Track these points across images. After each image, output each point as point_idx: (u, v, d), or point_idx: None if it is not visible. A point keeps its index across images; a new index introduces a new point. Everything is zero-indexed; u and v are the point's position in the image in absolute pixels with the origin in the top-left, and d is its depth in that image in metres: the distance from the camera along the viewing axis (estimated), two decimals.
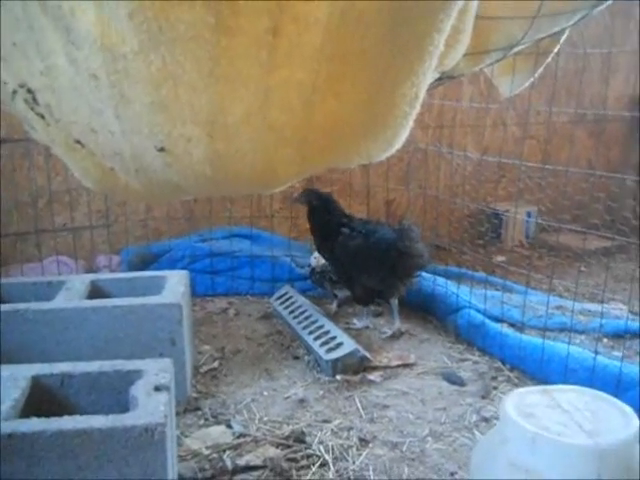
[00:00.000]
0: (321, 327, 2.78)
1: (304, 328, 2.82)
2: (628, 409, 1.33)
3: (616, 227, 2.67)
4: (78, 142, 1.66)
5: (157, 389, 1.64)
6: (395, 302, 2.97)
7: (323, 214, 2.99)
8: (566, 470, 1.21)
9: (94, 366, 1.77)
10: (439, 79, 1.83)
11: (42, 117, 1.67)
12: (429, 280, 3.17)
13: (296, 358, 2.70)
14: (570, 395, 1.39)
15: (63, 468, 1.46)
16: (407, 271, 2.91)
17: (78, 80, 1.38)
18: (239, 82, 1.23)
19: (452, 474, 1.92)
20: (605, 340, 2.68)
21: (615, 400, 1.37)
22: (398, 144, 1.49)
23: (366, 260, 2.89)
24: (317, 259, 3.18)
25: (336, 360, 2.51)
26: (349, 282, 3.00)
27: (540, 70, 2.67)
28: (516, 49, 2.00)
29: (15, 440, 1.43)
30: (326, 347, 2.60)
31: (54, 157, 3.02)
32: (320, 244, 3.05)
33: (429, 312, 3.14)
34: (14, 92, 1.65)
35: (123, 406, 1.64)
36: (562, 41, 2.56)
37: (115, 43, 1.22)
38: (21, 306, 2.22)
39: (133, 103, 1.33)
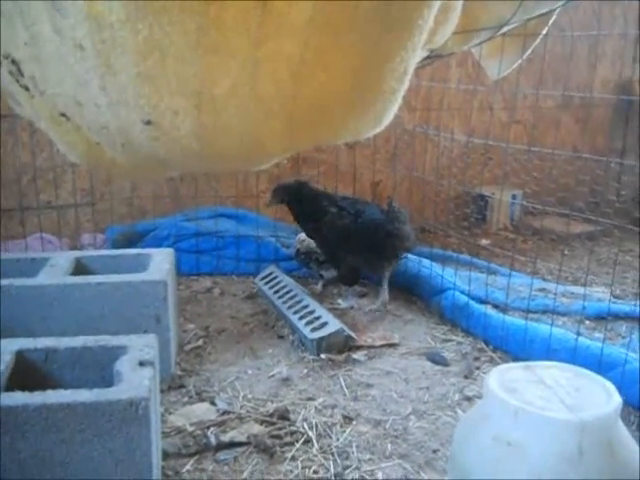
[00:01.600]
0: (306, 307, 2.78)
1: (289, 308, 2.82)
2: (610, 385, 1.35)
3: (600, 210, 2.70)
4: (63, 115, 1.65)
5: (141, 364, 1.64)
6: (387, 275, 2.98)
7: (299, 202, 3.00)
8: (548, 443, 1.22)
9: (78, 341, 1.76)
10: (428, 57, 1.84)
11: (27, 89, 1.65)
12: (414, 261, 3.18)
13: (281, 337, 2.71)
14: (553, 371, 1.41)
15: (47, 441, 1.46)
16: (394, 252, 2.94)
17: (63, 50, 1.36)
18: (227, 53, 1.23)
19: (434, 451, 1.93)
20: (587, 322, 2.71)
21: (597, 376, 1.39)
22: (386, 120, 1.49)
23: (354, 240, 2.90)
24: (301, 240, 3.18)
25: (321, 339, 2.52)
26: (335, 262, 3.01)
27: (528, 52, 2.67)
28: (505, 29, 2.01)
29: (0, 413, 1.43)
30: (311, 326, 2.60)
31: (39, 134, 3.02)
32: (306, 227, 3.06)
33: (414, 293, 3.16)
34: None
35: (107, 381, 1.64)
36: (550, 23, 2.57)
37: (101, 12, 1.21)
38: (4, 282, 2.20)
39: (119, 74, 1.32)
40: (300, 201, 3.00)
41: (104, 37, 1.27)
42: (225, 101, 1.33)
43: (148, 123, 1.43)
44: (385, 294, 2.99)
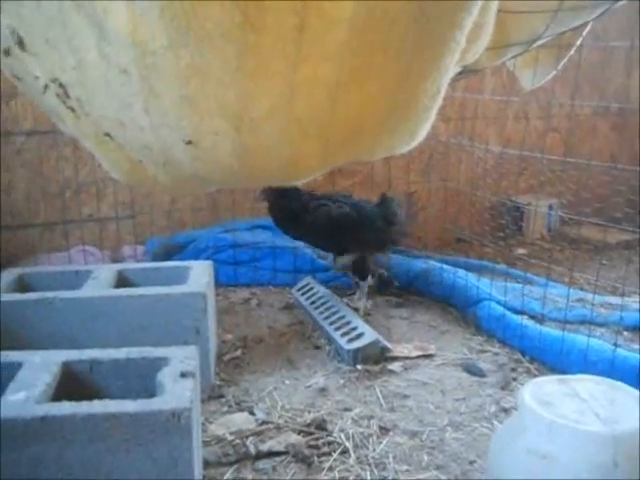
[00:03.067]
0: (342, 317, 2.81)
1: (325, 318, 2.86)
2: None
3: (638, 220, 2.68)
4: (107, 135, 1.71)
5: (183, 375, 1.69)
6: (366, 283, 3.11)
7: (284, 202, 3.09)
8: (582, 456, 1.23)
9: (122, 353, 1.82)
10: (461, 72, 1.85)
11: (73, 110, 1.72)
12: (450, 272, 3.19)
13: (317, 348, 2.74)
14: (587, 384, 1.41)
15: (93, 450, 1.51)
16: (392, 239, 3.15)
17: (109, 75, 1.42)
18: (265, 77, 1.27)
19: (471, 463, 1.94)
20: (625, 333, 2.70)
21: (632, 389, 1.40)
22: (420, 137, 1.52)
23: (353, 227, 3.04)
24: None
25: (357, 350, 2.55)
26: (336, 253, 3.13)
27: (563, 63, 2.67)
28: (538, 43, 2.02)
29: (48, 423, 1.48)
30: (347, 337, 2.63)
31: (81, 149, 3.11)
32: (296, 228, 3.12)
33: (449, 303, 3.16)
34: (46, 86, 1.70)
35: (150, 392, 1.69)
36: (585, 34, 2.56)
37: (145, 39, 1.26)
38: (49, 294, 2.27)
39: (162, 97, 1.37)
40: (283, 201, 3.08)
41: (148, 63, 1.32)
42: (263, 123, 1.37)
43: (189, 143, 1.47)
44: (364, 300, 3.08)
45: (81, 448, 1.50)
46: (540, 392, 1.39)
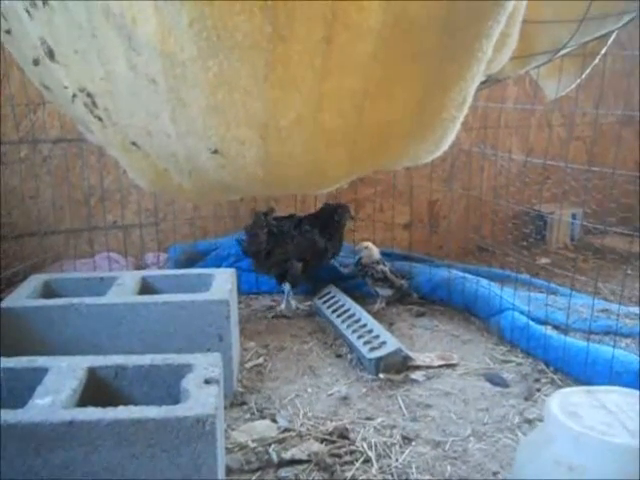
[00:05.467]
0: (364, 326, 2.81)
1: (347, 327, 2.86)
2: None
3: None
4: (134, 144, 1.74)
5: (207, 382, 1.69)
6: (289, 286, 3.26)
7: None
8: (610, 469, 1.22)
9: (146, 359, 1.83)
10: (485, 82, 1.86)
11: (100, 120, 1.75)
12: (472, 281, 3.17)
13: (339, 356, 2.74)
14: (614, 396, 1.40)
15: (118, 456, 1.52)
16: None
17: (137, 85, 1.45)
18: (293, 87, 1.28)
19: (494, 474, 1.93)
20: None
21: None
22: (445, 146, 1.52)
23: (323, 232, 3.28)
24: (366, 252, 3.21)
25: (379, 359, 2.54)
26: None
27: (587, 72, 2.66)
28: (562, 52, 2.01)
29: (74, 428, 1.50)
30: (369, 346, 2.63)
31: (106, 157, 3.15)
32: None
33: (472, 313, 3.15)
34: (74, 96, 1.73)
35: (174, 398, 1.70)
36: (609, 43, 2.55)
37: (174, 50, 1.28)
38: (75, 300, 2.30)
39: (189, 107, 1.39)
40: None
41: (176, 73, 1.34)
42: (290, 132, 1.39)
43: (215, 152, 1.49)
44: (292, 302, 3.25)
45: (107, 453, 1.51)
46: (567, 403, 1.37)
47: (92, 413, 1.54)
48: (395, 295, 3.24)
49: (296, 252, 3.19)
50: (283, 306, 3.26)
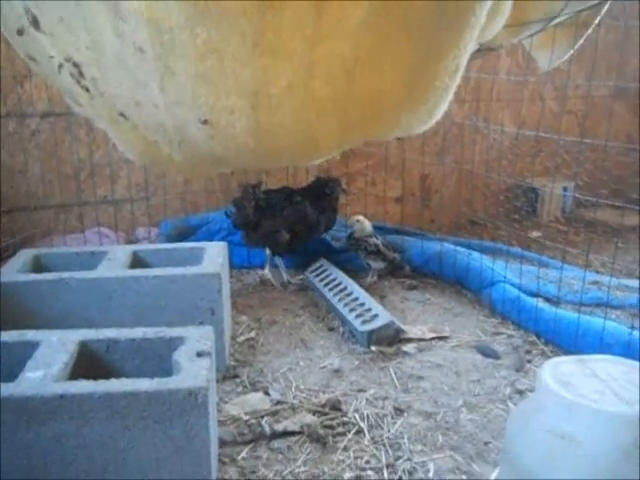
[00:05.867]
0: (356, 299, 2.81)
1: (339, 300, 2.86)
2: None
3: None
4: (122, 115, 1.71)
5: (199, 355, 1.69)
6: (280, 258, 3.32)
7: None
8: (603, 437, 1.22)
9: (138, 332, 1.83)
10: (477, 50, 1.83)
11: (87, 90, 1.72)
12: (464, 254, 3.17)
13: (331, 329, 2.75)
14: (606, 365, 1.41)
15: (111, 428, 1.52)
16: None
17: (124, 53, 1.42)
18: (283, 55, 1.26)
19: (486, 444, 1.94)
20: None
21: None
22: (438, 116, 1.51)
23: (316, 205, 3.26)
24: (359, 221, 3.21)
25: (371, 332, 2.55)
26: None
27: (580, 43, 2.64)
28: (556, 21, 1.99)
29: (66, 401, 1.49)
30: (361, 319, 2.63)
31: (96, 130, 3.12)
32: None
33: (464, 286, 3.16)
34: (60, 66, 1.70)
35: (166, 371, 1.70)
36: (603, 14, 2.53)
37: (162, 17, 1.25)
38: (65, 275, 2.28)
39: (178, 75, 1.37)
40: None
41: (164, 40, 1.31)
42: (280, 100, 1.37)
43: (205, 122, 1.47)
44: (284, 274, 3.29)
45: (99, 426, 1.52)
46: (559, 372, 1.38)
47: (84, 386, 1.53)
48: (387, 268, 3.25)
49: (285, 224, 3.19)
50: (267, 271, 3.29)
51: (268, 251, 3.29)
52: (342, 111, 1.40)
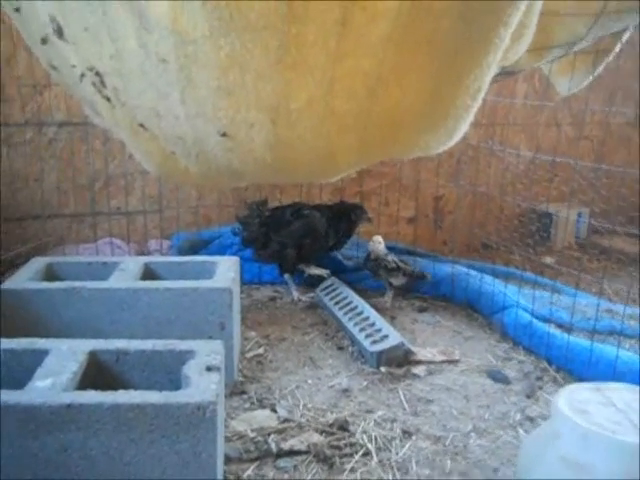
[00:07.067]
0: (366, 319, 2.79)
1: (349, 319, 2.84)
2: None
3: None
4: (142, 126, 1.71)
5: (209, 369, 1.68)
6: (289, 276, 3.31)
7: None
8: (618, 467, 1.20)
9: (148, 344, 1.81)
10: (498, 74, 1.83)
11: (108, 100, 1.72)
12: (476, 277, 3.15)
13: (340, 348, 2.72)
14: (623, 393, 1.38)
15: (117, 440, 1.51)
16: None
17: (147, 64, 1.42)
18: (306, 70, 1.26)
19: (495, 470, 1.91)
20: None
21: None
22: (457, 137, 1.50)
23: (335, 227, 3.29)
24: (375, 245, 3.19)
25: (381, 352, 2.52)
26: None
27: (599, 70, 2.63)
28: (579, 46, 1.99)
29: (73, 411, 1.48)
30: (371, 339, 2.61)
31: (111, 141, 3.14)
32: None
33: (475, 309, 3.13)
34: (82, 75, 1.71)
35: (175, 384, 1.69)
36: (624, 40, 2.52)
37: (186, 28, 1.26)
38: (77, 284, 2.28)
39: (199, 87, 1.37)
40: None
41: (187, 52, 1.31)
42: (301, 115, 1.36)
43: (224, 135, 1.47)
44: (294, 292, 3.27)
45: (105, 437, 1.50)
46: (574, 400, 1.35)
47: (92, 397, 1.52)
48: (410, 282, 3.20)
49: (292, 238, 3.18)
50: (294, 292, 3.28)
51: (287, 276, 3.29)
52: (362, 128, 1.40)
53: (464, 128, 1.48)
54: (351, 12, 1.16)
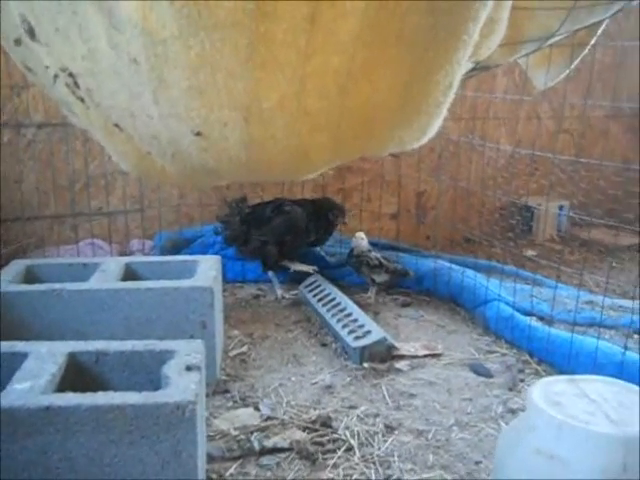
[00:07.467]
0: (349, 315, 2.80)
1: (332, 316, 2.84)
2: None
3: None
4: (117, 126, 1.71)
5: (188, 369, 1.67)
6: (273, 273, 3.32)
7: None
8: (592, 458, 1.21)
9: (127, 345, 1.81)
10: (473, 69, 1.84)
11: (82, 101, 1.72)
12: (458, 272, 3.17)
13: (324, 345, 2.73)
14: (597, 385, 1.39)
15: (97, 442, 1.50)
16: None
17: (119, 64, 1.42)
18: (276, 68, 1.26)
19: (477, 463, 1.92)
20: (636, 336, 2.66)
21: None
22: (431, 133, 1.50)
23: (315, 224, 3.30)
24: (358, 242, 3.19)
25: (364, 348, 2.53)
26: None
27: (576, 63, 2.65)
28: (552, 40, 2.00)
29: (52, 413, 1.47)
30: (354, 335, 2.62)
31: (91, 142, 3.12)
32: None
33: (457, 303, 3.15)
34: (55, 76, 1.70)
35: (155, 384, 1.68)
36: (599, 33, 2.54)
37: (155, 28, 1.25)
38: (57, 286, 2.27)
39: (171, 87, 1.36)
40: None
41: (157, 52, 1.31)
42: (273, 114, 1.36)
43: (198, 134, 1.47)
44: (278, 290, 3.28)
45: (85, 439, 1.49)
46: (549, 392, 1.37)
47: (70, 399, 1.52)
48: (392, 279, 3.20)
49: (274, 234, 3.20)
50: (278, 290, 3.28)
51: (271, 273, 3.29)
52: (335, 126, 1.40)
53: (437, 124, 1.49)
54: (319, 9, 1.16)
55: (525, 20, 1.80)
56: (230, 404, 2.22)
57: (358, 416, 2.16)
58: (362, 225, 3.72)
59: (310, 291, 3.16)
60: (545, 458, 1.26)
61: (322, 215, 3.30)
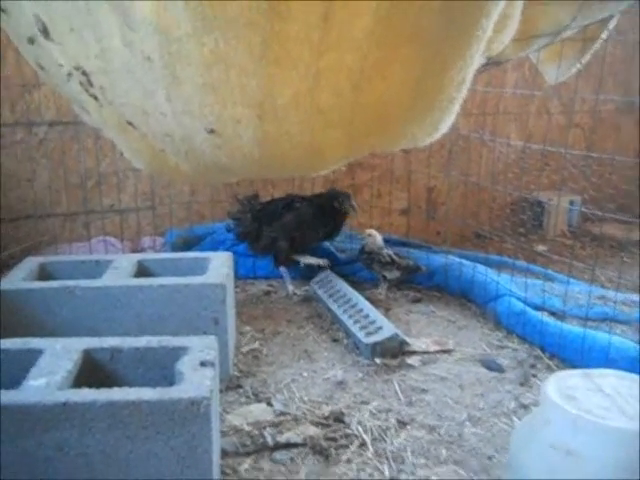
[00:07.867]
0: (360, 311, 2.80)
1: (344, 312, 2.85)
2: None
3: None
4: (130, 124, 1.72)
5: (203, 364, 1.69)
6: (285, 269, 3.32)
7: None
8: (607, 453, 1.21)
9: (142, 341, 1.82)
10: (485, 64, 1.84)
11: (95, 99, 1.72)
12: (469, 267, 3.16)
13: (335, 341, 2.74)
14: (611, 379, 1.39)
15: (112, 437, 1.51)
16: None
17: (132, 62, 1.42)
18: (290, 65, 1.26)
19: (489, 458, 1.93)
20: None
21: None
22: (444, 128, 1.50)
23: (322, 219, 3.30)
24: (370, 239, 3.19)
25: (375, 344, 2.54)
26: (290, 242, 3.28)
27: (587, 57, 2.64)
28: (563, 35, 1.99)
29: (68, 409, 1.49)
30: (365, 331, 2.62)
31: (103, 140, 3.13)
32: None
33: (468, 299, 3.14)
34: (69, 74, 1.71)
35: (169, 380, 1.69)
36: (610, 28, 2.53)
37: (170, 26, 1.26)
38: (70, 283, 2.28)
39: (185, 85, 1.37)
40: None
41: (171, 50, 1.32)
42: (286, 111, 1.37)
43: (211, 132, 1.48)
44: (289, 286, 3.28)
45: (100, 435, 1.51)
46: (564, 386, 1.37)
47: (86, 395, 1.53)
48: (403, 275, 3.20)
49: (284, 231, 3.20)
50: (290, 286, 3.29)
51: (282, 269, 3.30)
52: (348, 122, 1.40)
53: (450, 119, 1.49)
54: (333, 8, 1.16)
55: (537, 15, 1.79)
56: (243, 400, 2.23)
57: (370, 412, 2.17)
58: (372, 221, 3.72)
59: (321, 287, 3.17)
60: (560, 453, 1.26)
61: (328, 206, 3.30)
